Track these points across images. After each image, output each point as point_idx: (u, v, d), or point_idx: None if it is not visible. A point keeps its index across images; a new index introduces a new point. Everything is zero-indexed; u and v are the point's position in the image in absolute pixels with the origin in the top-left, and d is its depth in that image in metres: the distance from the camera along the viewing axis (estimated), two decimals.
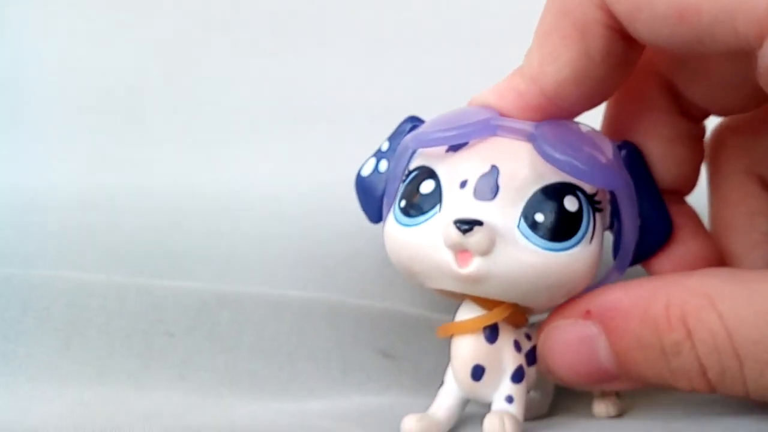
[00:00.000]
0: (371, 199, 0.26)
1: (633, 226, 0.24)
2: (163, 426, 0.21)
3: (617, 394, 0.28)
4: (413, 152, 0.24)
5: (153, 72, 0.38)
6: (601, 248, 0.23)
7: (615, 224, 0.24)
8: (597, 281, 0.24)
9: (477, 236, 0.21)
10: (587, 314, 0.23)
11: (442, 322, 0.31)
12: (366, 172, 0.26)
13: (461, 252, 0.22)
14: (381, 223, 0.26)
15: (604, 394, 0.27)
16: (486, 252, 0.22)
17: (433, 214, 0.23)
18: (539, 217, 0.22)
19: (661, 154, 0.25)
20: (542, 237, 0.22)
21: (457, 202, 0.23)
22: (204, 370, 0.29)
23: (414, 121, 0.26)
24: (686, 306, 0.21)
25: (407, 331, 0.31)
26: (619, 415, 0.27)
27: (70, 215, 0.34)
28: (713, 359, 0.21)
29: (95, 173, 0.36)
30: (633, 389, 0.24)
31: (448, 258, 0.22)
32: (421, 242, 0.23)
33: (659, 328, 0.21)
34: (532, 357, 0.25)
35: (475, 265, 0.22)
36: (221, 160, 0.37)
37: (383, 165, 0.26)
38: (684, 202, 0.26)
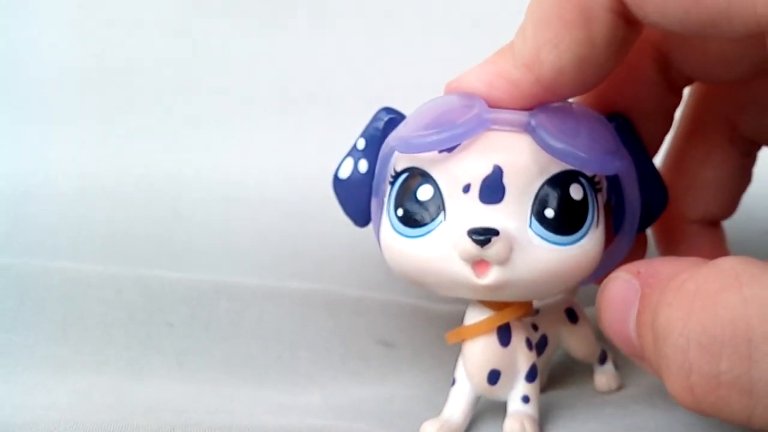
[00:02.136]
0: (354, 202, 0.25)
1: (636, 202, 0.24)
2: (162, 419, 0.21)
3: (616, 367, 0.28)
4: (391, 153, 0.23)
5: (150, 61, 0.38)
6: (604, 227, 0.23)
7: (612, 199, 0.24)
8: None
9: (495, 247, 0.21)
10: (638, 275, 0.21)
11: (442, 312, 0.31)
12: (344, 173, 0.25)
13: (478, 263, 0.21)
14: (369, 225, 0.25)
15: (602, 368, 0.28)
16: (505, 261, 0.21)
17: (438, 223, 0.22)
18: (549, 213, 0.22)
19: (646, 126, 0.25)
20: (555, 233, 0.22)
21: (464, 209, 0.21)
22: (202, 360, 0.29)
23: (389, 113, 0.24)
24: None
25: (406, 320, 0.31)
26: (620, 388, 0.28)
27: (67, 204, 0.34)
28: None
29: (92, 162, 0.36)
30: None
31: (464, 270, 0.21)
32: (431, 255, 0.22)
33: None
34: (541, 347, 0.25)
35: (493, 275, 0.21)
36: (219, 148, 0.37)
37: (363, 165, 0.24)
38: None
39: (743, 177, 0.28)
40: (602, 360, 0.28)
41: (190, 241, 0.33)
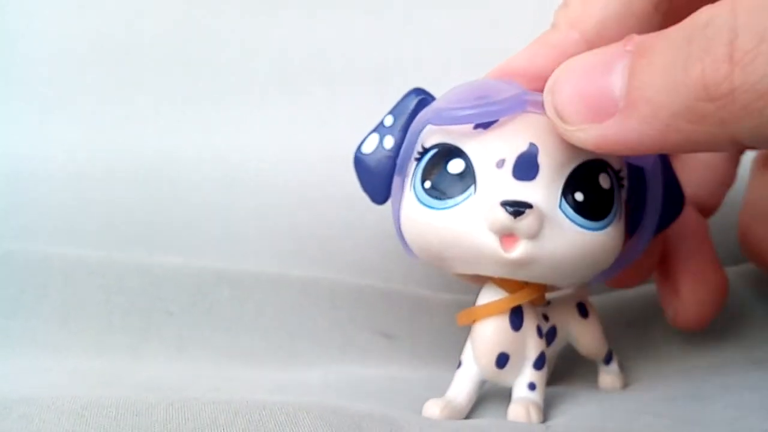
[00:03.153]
0: (376, 179, 0.24)
1: (658, 200, 0.24)
2: (161, 395, 0.21)
3: (621, 367, 0.28)
4: (422, 128, 0.23)
5: (148, 41, 0.38)
6: (624, 223, 0.23)
7: (632, 201, 0.24)
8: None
9: (528, 219, 0.21)
10: (627, 42, 0.19)
11: (443, 302, 0.31)
12: (368, 149, 0.24)
13: (507, 236, 0.21)
14: (380, 206, 0.25)
15: (607, 370, 0.27)
16: (535, 235, 0.21)
17: (468, 196, 0.22)
18: (579, 196, 0.22)
19: None
20: (583, 216, 0.22)
21: (496, 183, 0.21)
22: (203, 347, 0.28)
23: (420, 94, 0.24)
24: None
25: (408, 311, 0.31)
26: (624, 388, 0.27)
27: (67, 186, 0.34)
28: (754, 22, 0.16)
29: (90, 144, 0.36)
30: (616, 145, 0.19)
31: (491, 242, 0.21)
32: (457, 226, 0.21)
33: (699, 14, 0.17)
34: (550, 338, 0.25)
35: (522, 249, 0.21)
36: (219, 128, 0.36)
37: (388, 141, 0.24)
38: None
39: (731, 171, 0.28)
40: (608, 360, 0.28)
41: (189, 224, 0.33)
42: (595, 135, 0.19)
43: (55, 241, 0.31)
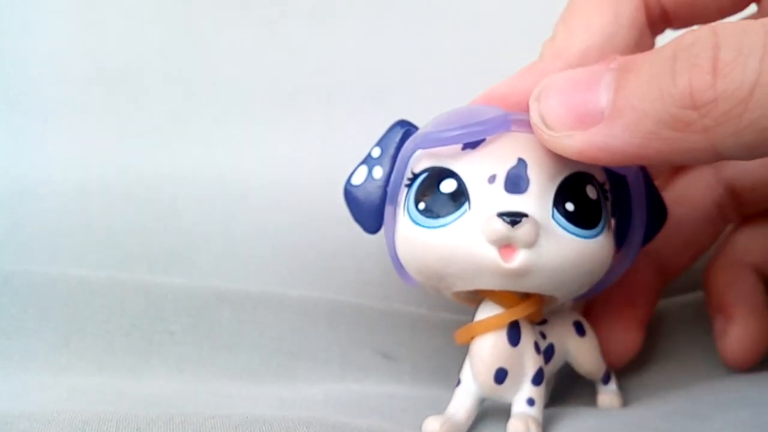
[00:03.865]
0: (367, 209, 0.25)
1: (642, 212, 0.24)
2: (161, 411, 0.21)
3: (619, 386, 0.28)
4: (411, 154, 0.24)
5: (149, 58, 0.38)
6: (613, 234, 0.24)
7: (617, 214, 0.25)
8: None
9: (524, 228, 0.21)
10: (609, 61, 0.20)
11: (443, 322, 0.31)
12: (357, 180, 0.25)
13: (505, 247, 0.21)
14: (380, 232, 0.25)
15: (605, 390, 0.27)
16: (532, 244, 0.21)
17: (463, 212, 0.22)
18: (570, 206, 0.22)
19: None
20: (576, 225, 0.22)
21: (490, 197, 0.22)
22: (204, 366, 0.28)
23: (405, 126, 0.25)
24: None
25: (407, 331, 0.31)
26: (622, 407, 0.27)
27: (68, 206, 0.34)
28: (732, 39, 0.18)
29: (90, 161, 0.36)
30: (603, 151, 0.20)
31: (491, 254, 0.21)
32: (455, 242, 0.22)
33: (684, 37, 0.19)
34: (548, 355, 0.25)
35: (521, 258, 0.21)
36: (220, 147, 0.37)
37: (377, 172, 0.25)
38: None
39: (708, 234, 0.30)
40: (606, 379, 0.28)
41: (190, 244, 0.33)
42: (581, 141, 0.20)
43: (56, 261, 0.31)
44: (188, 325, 0.29)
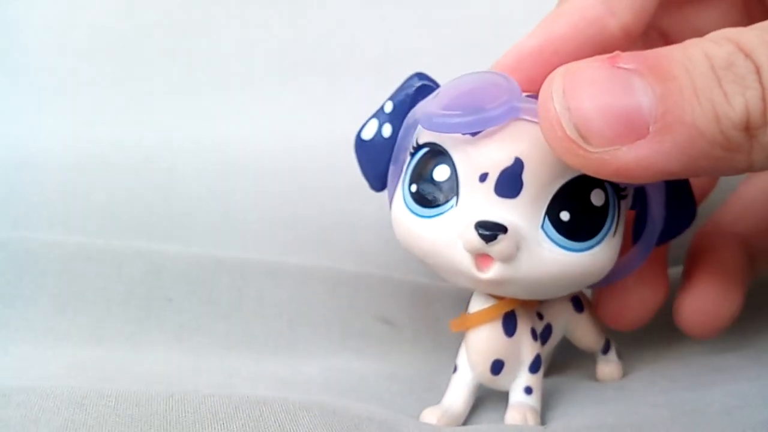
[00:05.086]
0: (374, 166, 0.24)
1: (660, 213, 0.23)
2: (161, 388, 0.21)
3: (619, 356, 0.28)
4: (415, 125, 0.23)
5: (146, 29, 0.37)
6: (622, 235, 0.22)
7: (637, 206, 0.23)
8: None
9: (501, 245, 0.20)
10: (614, 59, 0.18)
11: (443, 290, 0.31)
12: (368, 135, 0.24)
13: (481, 256, 0.21)
14: (379, 193, 0.25)
15: (606, 358, 0.27)
16: (509, 259, 0.20)
17: (449, 208, 0.21)
18: (564, 216, 0.21)
19: None
20: (567, 237, 0.21)
21: (477, 198, 0.21)
22: (202, 335, 0.28)
23: (422, 79, 0.23)
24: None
25: (406, 298, 0.31)
26: (622, 377, 0.27)
27: (65, 174, 0.34)
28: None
29: (89, 130, 0.36)
30: (656, 163, 0.18)
31: (466, 261, 0.21)
32: (436, 239, 0.21)
33: (710, 52, 0.18)
34: (545, 337, 0.25)
35: (495, 271, 0.21)
36: (218, 117, 0.36)
37: (387, 129, 0.24)
38: None
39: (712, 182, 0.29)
40: (605, 350, 0.28)
41: (188, 212, 0.33)
42: (626, 160, 0.18)
43: (54, 230, 0.31)
44: (187, 292, 0.29)
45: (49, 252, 0.29)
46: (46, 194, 0.33)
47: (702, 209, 0.25)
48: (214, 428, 0.19)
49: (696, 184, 0.25)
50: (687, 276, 0.27)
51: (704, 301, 0.26)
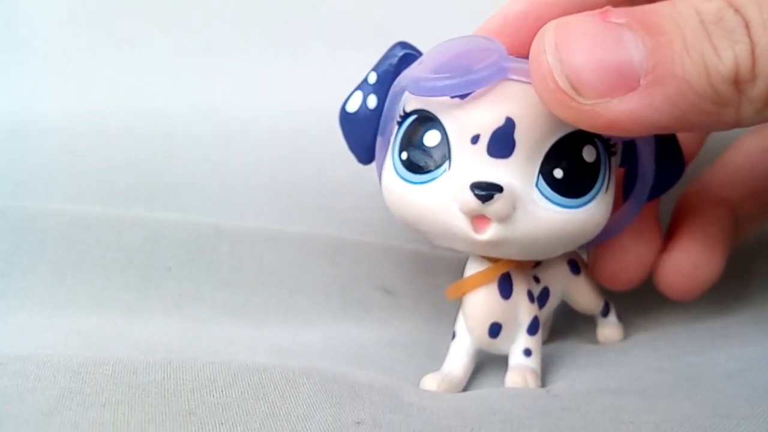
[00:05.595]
0: (360, 139, 0.24)
1: (650, 169, 0.23)
2: (160, 357, 0.21)
3: (619, 318, 0.28)
4: (402, 92, 0.22)
5: None
6: (614, 190, 0.22)
7: (627, 163, 0.24)
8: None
9: (497, 204, 0.20)
10: (605, 14, 0.18)
11: (443, 258, 0.31)
12: (352, 107, 0.24)
13: (477, 218, 0.20)
14: (372, 164, 0.24)
15: (606, 321, 0.27)
16: (506, 218, 0.20)
17: (442, 172, 0.21)
18: (558, 173, 0.21)
19: None
20: (562, 194, 0.21)
21: (470, 161, 0.21)
22: (202, 303, 0.28)
23: (405, 48, 0.23)
24: None
25: (406, 267, 0.31)
26: (623, 339, 0.27)
27: (63, 142, 0.34)
28: (756, 16, 0.17)
29: (85, 97, 0.35)
30: (647, 115, 0.18)
31: (462, 223, 0.21)
32: (430, 204, 0.21)
33: (700, 7, 0.18)
34: (543, 300, 0.25)
35: (492, 231, 0.20)
36: (217, 83, 0.36)
37: (372, 101, 0.23)
38: None
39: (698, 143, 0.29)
40: (605, 312, 0.27)
41: (187, 180, 0.33)
42: (617, 112, 0.18)
43: (52, 198, 0.30)
44: (186, 260, 0.29)
45: (47, 220, 0.29)
46: (44, 162, 0.33)
47: (688, 171, 0.25)
48: (213, 395, 0.19)
49: (683, 144, 0.25)
50: (670, 237, 0.27)
51: (685, 264, 0.26)
